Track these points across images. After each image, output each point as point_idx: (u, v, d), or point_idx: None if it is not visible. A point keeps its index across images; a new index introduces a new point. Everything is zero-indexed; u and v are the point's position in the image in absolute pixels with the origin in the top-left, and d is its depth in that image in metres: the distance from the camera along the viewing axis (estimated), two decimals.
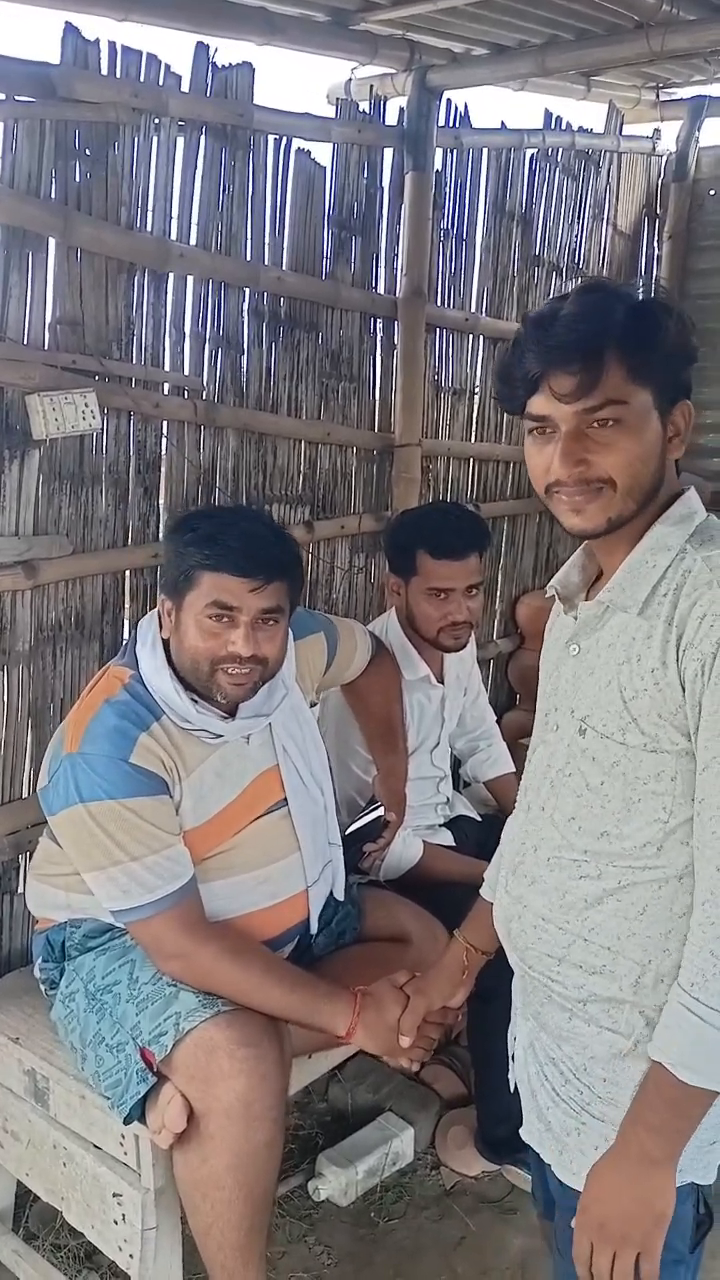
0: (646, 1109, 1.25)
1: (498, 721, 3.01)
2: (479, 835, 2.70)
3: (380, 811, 2.40)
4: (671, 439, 1.26)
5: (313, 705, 2.14)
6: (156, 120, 2.37)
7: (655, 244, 4.49)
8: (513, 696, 4.10)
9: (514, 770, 2.90)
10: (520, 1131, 1.51)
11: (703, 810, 1.20)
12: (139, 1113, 1.76)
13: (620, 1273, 1.26)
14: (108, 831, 1.74)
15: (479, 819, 2.78)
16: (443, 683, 2.63)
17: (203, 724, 1.83)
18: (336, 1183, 2.37)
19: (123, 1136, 1.84)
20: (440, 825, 2.68)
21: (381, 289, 3.15)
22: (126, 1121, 1.77)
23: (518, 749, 3.34)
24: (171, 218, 2.47)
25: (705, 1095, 1.21)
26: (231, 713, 1.88)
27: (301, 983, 1.81)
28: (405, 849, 2.43)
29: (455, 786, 2.92)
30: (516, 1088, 1.52)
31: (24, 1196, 2.22)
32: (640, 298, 1.26)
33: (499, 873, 1.50)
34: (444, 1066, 2.71)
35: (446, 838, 2.64)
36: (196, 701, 1.83)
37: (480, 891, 1.66)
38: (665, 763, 1.23)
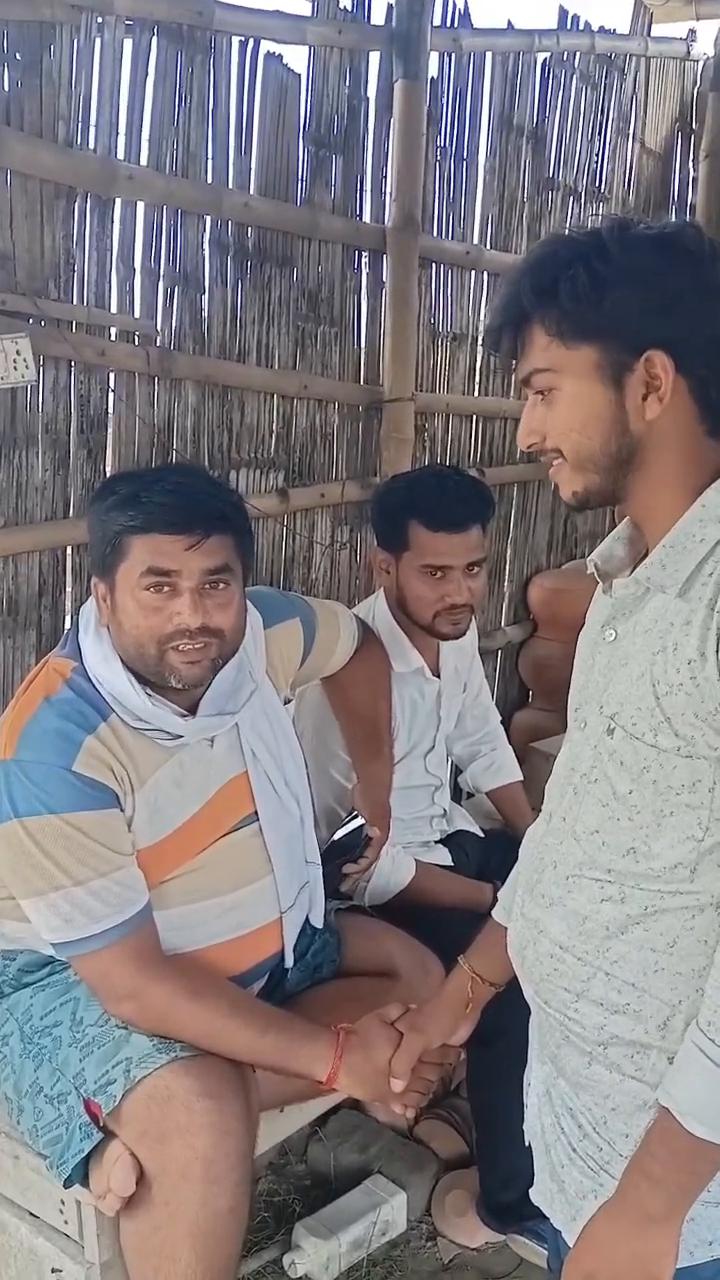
0: (649, 1158, 1.25)
1: (506, 723, 3.00)
2: (480, 854, 2.70)
3: (361, 820, 2.40)
4: (645, 397, 1.24)
5: (287, 702, 2.14)
6: (100, 19, 2.37)
7: (690, 163, 4.49)
8: (525, 694, 4.10)
9: (521, 779, 2.91)
10: (530, 1192, 1.51)
11: None
12: (81, 1174, 1.76)
13: None
14: (47, 852, 1.74)
15: (481, 835, 2.78)
16: (439, 676, 2.62)
17: (159, 722, 1.83)
18: (316, 1257, 2.36)
19: (63, 1202, 1.84)
20: (436, 841, 2.68)
21: (367, 217, 3.16)
22: (67, 1184, 1.77)
23: (529, 754, 3.34)
24: (118, 134, 2.47)
25: (716, 1150, 1.20)
26: (191, 710, 1.88)
27: (274, 1022, 1.81)
28: (394, 869, 2.43)
29: (454, 797, 2.93)
30: (528, 1143, 1.52)
31: None
32: (568, 249, 1.26)
33: (515, 892, 1.50)
34: (442, 1121, 2.71)
35: (443, 856, 2.64)
36: (151, 696, 1.82)
37: (493, 913, 1.66)
38: (702, 770, 1.22)
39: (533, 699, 4.07)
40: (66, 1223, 1.85)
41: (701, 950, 1.25)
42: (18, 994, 1.95)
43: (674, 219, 4.24)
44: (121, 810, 1.81)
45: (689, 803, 1.23)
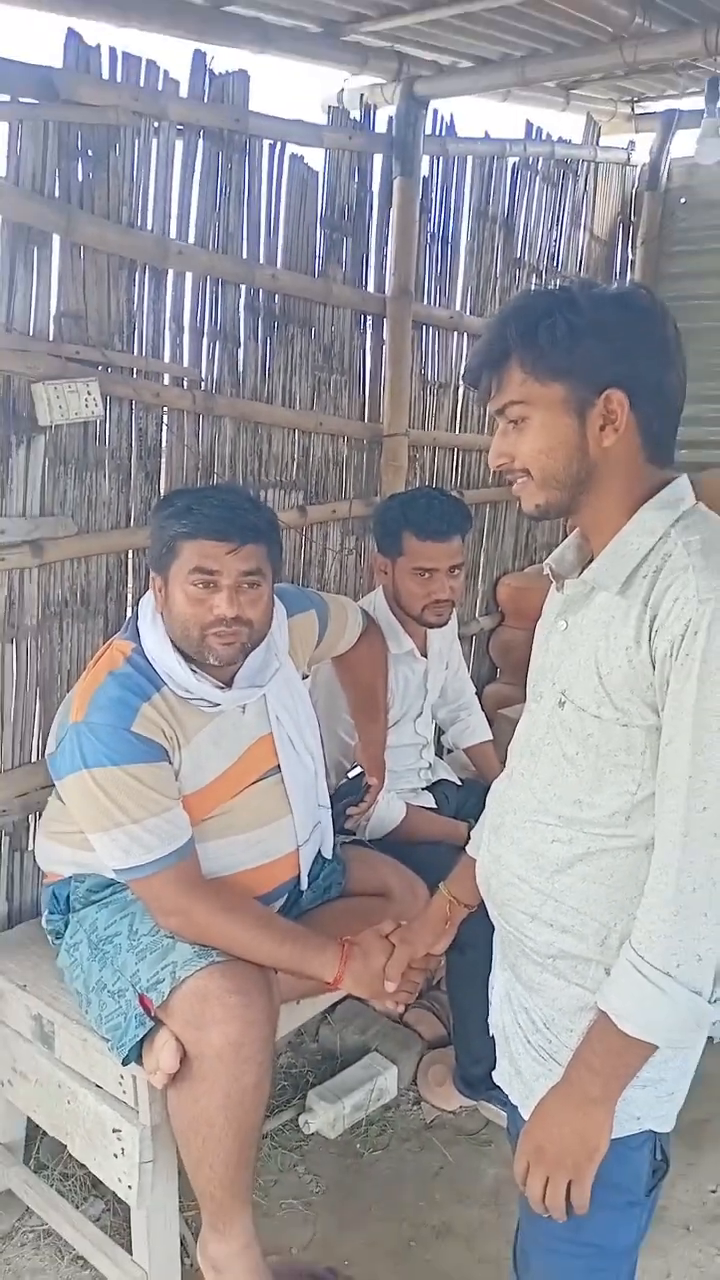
0: (589, 1051, 1.23)
1: (479, 693, 2.97)
2: (458, 798, 2.68)
3: (361, 771, 2.36)
4: (603, 428, 1.20)
5: (304, 678, 2.09)
6: (156, 124, 2.30)
7: (630, 249, 4.42)
8: (494, 670, 4.07)
9: (491, 739, 2.87)
10: (493, 1074, 1.49)
11: (663, 783, 1.17)
12: (136, 1055, 1.73)
13: (551, 1195, 1.25)
14: (110, 796, 1.70)
15: (459, 783, 2.75)
16: (426, 656, 2.59)
17: (201, 693, 1.79)
18: (325, 1117, 2.36)
19: (121, 1077, 1.81)
20: (422, 789, 2.65)
21: (371, 287, 3.09)
22: (125, 1063, 1.74)
23: (497, 719, 3.31)
24: (170, 217, 2.40)
25: (643, 1047, 1.19)
26: (228, 683, 1.83)
27: (292, 935, 1.78)
28: (388, 810, 2.40)
29: (438, 753, 2.89)
30: (492, 1033, 1.49)
31: (35, 1130, 2.19)
32: (545, 302, 1.22)
33: (483, 832, 1.47)
34: (426, 1010, 2.69)
35: (428, 800, 2.61)
36: (195, 672, 1.79)
37: (466, 848, 1.64)
38: (635, 737, 1.20)
39: (500, 675, 4.04)
40: (125, 1093, 1.82)
41: (634, 882, 1.22)
42: (86, 909, 1.92)
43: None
44: (170, 763, 1.77)
45: (625, 763, 1.21)
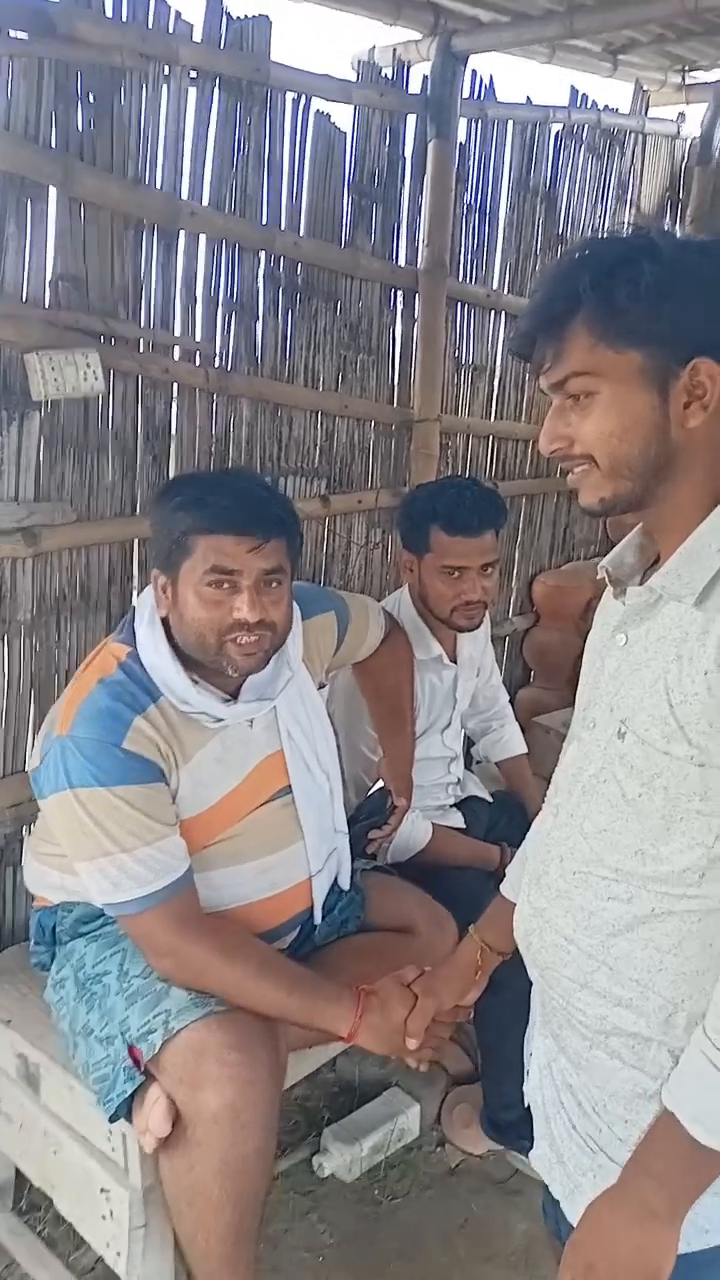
0: (652, 1155, 1.03)
1: (511, 699, 2.76)
2: (489, 817, 2.49)
3: (382, 784, 2.16)
4: (688, 405, 0.98)
5: (321, 687, 1.88)
6: (166, 69, 2.09)
7: (678, 228, 4.15)
8: (527, 674, 3.86)
9: (526, 751, 2.66)
10: (530, 1156, 1.30)
11: None
12: (125, 1111, 1.55)
13: None
14: (97, 821, 1.51)
15: (490, 800, 2.54)
16: (455, 662, 2.38)
17: (203, 707, 1.59)
18: (341, 1159, 2.19)
19: (110, 1132, 1.62)
20: (450, 805, 2.44)
21: (402, 260, 2.87)
22: (112, 1119, 1.56)
23: (531, 727, 3.11)
24: (182, 174, 2.19)
25: (718, 1155, 0.98)
26: (233, 695, 1.63)
27: (300, 982, 1.57)
28: (413, 831, 2.19)
29: (467, 765, 2.68)
30: (527, 1104, 1.30)
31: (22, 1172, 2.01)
32: (621, 248, 1.00)
33: (523, 879, 1.26)
34: (452, 1042, 2.48)
35: (457, 819, 2.41)
36: (197, 682, 1.58)
37: (500, 888, 1.44)
38: (714, 779, 0.98)
39: (534, 679, 3.84)
40: (114, 1150, 1.64)
41: (706, 952, 1.02)
42: (74, 942, 1.73)
43: None
44: (166, 784, 1.58)
45: (700, 810, 1.00)
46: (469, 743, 2.70)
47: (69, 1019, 1.66)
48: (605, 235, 1.04)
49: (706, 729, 0.97)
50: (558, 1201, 1.22)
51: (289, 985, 1.55)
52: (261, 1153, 1.49)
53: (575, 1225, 1.14)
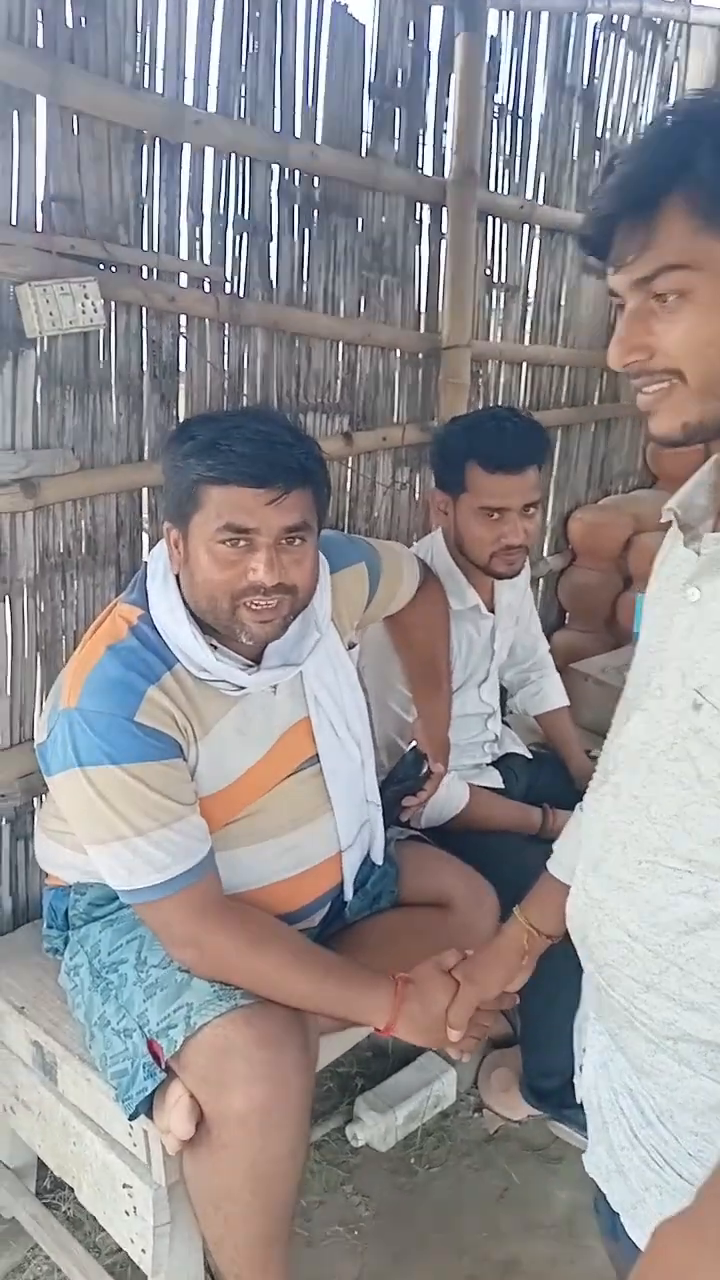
0: None
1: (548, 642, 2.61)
2: (529, 775, 2.37)
3: (425, 766, 2.02)
4: None
5: (351, 646, 1.74)
6: None
7: None
8: (562, 616, 3.72)
9: (568, 704, 2.52)
10: (585, 1160, 1.18)
11: None
12: (146, 1108, 1.46)
13: None
14: (109, 801, 1.38)
15: (529, 756, 2.41)
16: (493, 612, 2.22)
17: (223, 674, 1.45)
18: (375, 1129, 2.12)
19: (131, 1126, 1.54)
20: (488, 764, 2.32)
21: (429, 170, 2.65)
22: (132, 1117, 1.47)
23: (569, 674, 2.97)
24: (185, 78, 1.98)
25: None
26: (256, 660, 1.49)
27: (333, 971, 1.46)
28: (450, 795, 2.07)
29: (503, 718, 2.54)
30: (580, 1099, 1.19)
31: None
32: None
33: (577, 862, 1.14)
34: None
35: (494, 778, 2.28)
36: (216, 648, 1.45)
37: (548, 865, 1.33)
38: None
39: (570, 621, 3.70)
40: (135, 1145, 1.56)
41: None
42: (88, 927, 1.62)
43: None
44: (184, 759, 1.45)
45: None
46: (504, 695, 2.56)
47: (84, 1008, 1.57)
48: (705, 94, 0.86)
49: None
50: (615, 1215, 1.12)
51: (321, 975, 1.44)
52: (294, 1154, 1.40)
53: (640, 1247, 1.04)
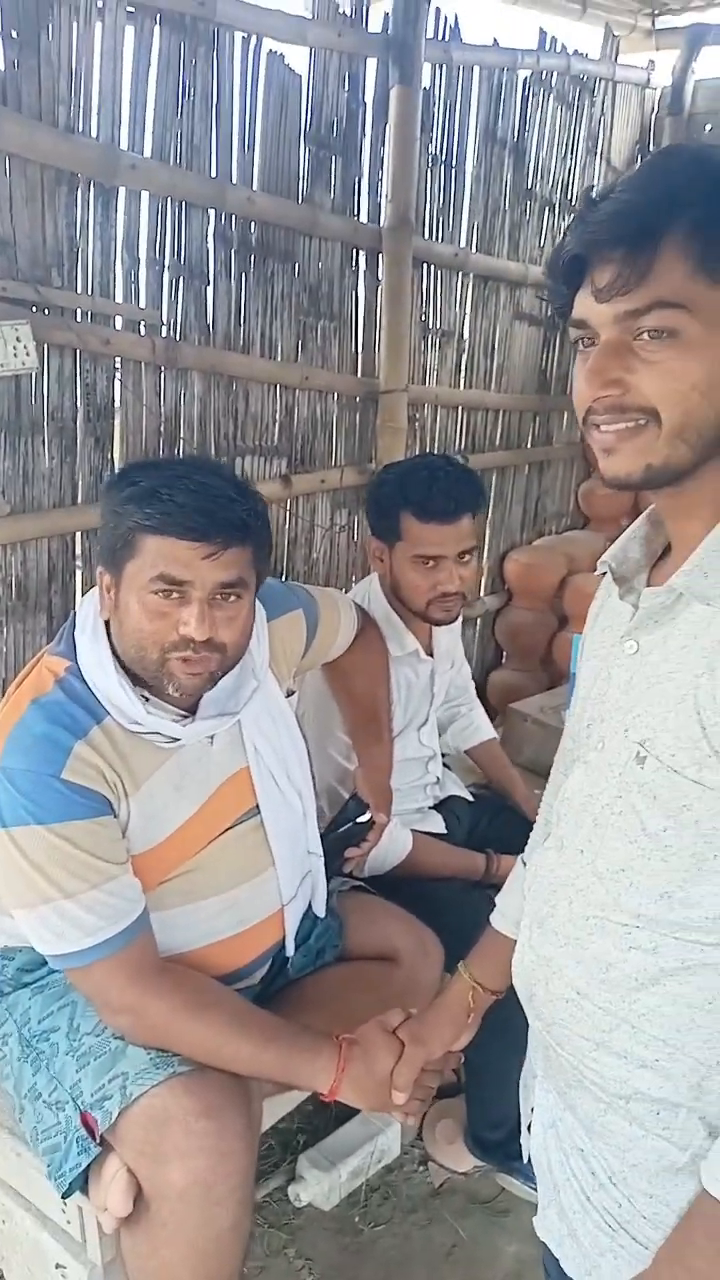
0: (691, 1248, 0.91)
1: (483, 683, 2.63)
2: (470, 818, 2.34)
3: (367, 815, 1.99)
4: None
5: (290, 694, 1.71)
6: (100, 2, 1.89)
7: None
8: (499, 655, 3.74)
9: (495, 736, 2.54)
10: (536, 1225, 1.14)
11: None
12: (81, 1184, 1.38)
13: None
14: (35, 864, 1.33)
15: (470, 799, 2.40)
16: (432, 655, 2.22)
17: (156, 727, 1.41)
18: (319, 1187, 2.06)
19: (65, 1205, 1.46)
20: (429, 807, 2.30)
21: (364, 217, 2.69)
22: (65, 1195, 1.39)
23: (508, 714, 2.98)
24: (120, 122, 2.00)
25: None
26: (191, 711, 1.46)
27: (275, 1037, 1.41)
28: (393, 843, 2.04)
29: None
30: (526, 1159, 1.17)
31: None
32: None
33: (522, 917, 1.12)
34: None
35: (437, 822, 2.26)
36: (148, 699, 1.40)
37: (491, 919, 1.31)
38: None
39: (506, 660, 3.73)
40: (69, 1223, 1.49)
41: None
42: (16, 994, 1.55)
43: None
44: (115, 816, 1.39)
45: None
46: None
47: (14, 1080, 1.49)
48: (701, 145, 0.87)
49: None
50: (567, 1276, 1.09)
51: (262, 1041, 1.39)
52: (236, 1229, 1.34)
53: None
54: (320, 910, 1.73)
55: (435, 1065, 1.41)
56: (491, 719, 2.62)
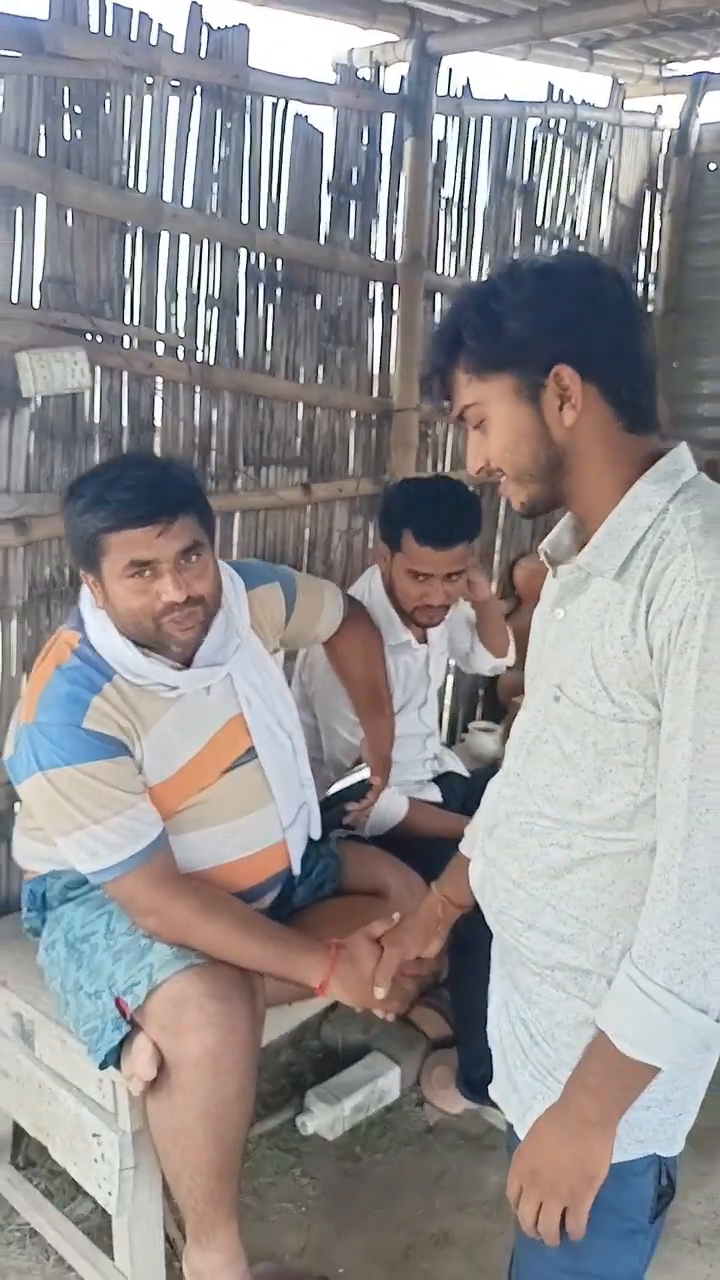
0: (587, 1071, 1.16)
1: (493, 682, 2.86)
2: (466, 792, 2.58)
3: (365, 774, 2.27)
4: (560, 408, 1.13)
5: (274, 652, 1.99)
6: (149, 79, 2.20)
7: (656, 217, 4.25)
8: None
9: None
10: (489, 1089, 1.42)
11: (664, 783, 1.08)
12: (114, 1059, 1.66)
13: (545, 1221, 1.17)
14: (68, 797, 1.63)
15: (467, 775, 2.65)
16: (426, 643, 2.48)
17: (156, 677, 1.70)
18: (324, 1118, 2.30)
19: (100, 1081, 1.75)
20: (428, 780, 2.56)
21: (381, 254, 2.97)
22: (101, 1067, 1.68)
23: (513, 708, 3.22)
24: (165, 178, 2.29)
25: (645, 1069, 1.11)
26: (186, 664, 1.74)
27: (275, 936, 1.70)
28: (390, 805, 2.31)
29: (451, 742, 2.79)
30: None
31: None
32: (470, 296, 1.17)
33: (477, 833, 1.40)
34: (430, 1008, 2.61)
35: (434, 793, 2.52)
36: (148, 654, 1.69)
37: (460, 846, 1.56)
38: (635, 734, 1.11)
39: (515, 662, 3.92)
40: (104, 1097, 1.76)
41: (636, 889, 1.14)
42: (62, 907, 1.85)
43: (615, 258, 4.01)
44: (131, 756, 1.69)
45: (626, 762, 1.13)
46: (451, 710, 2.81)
47: (60, 978, 1.77)
48: (463, 289, 1.21)
49: (626, 688, 1.09)
50: (511, 1127, 1.35)
51: (264, 939, 1.67)
52: (241, 1097, 1.61)
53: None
54: (316, 833, 2.00)
55: (410, 969, 1.64)
56: (499, 715, 2.85)
